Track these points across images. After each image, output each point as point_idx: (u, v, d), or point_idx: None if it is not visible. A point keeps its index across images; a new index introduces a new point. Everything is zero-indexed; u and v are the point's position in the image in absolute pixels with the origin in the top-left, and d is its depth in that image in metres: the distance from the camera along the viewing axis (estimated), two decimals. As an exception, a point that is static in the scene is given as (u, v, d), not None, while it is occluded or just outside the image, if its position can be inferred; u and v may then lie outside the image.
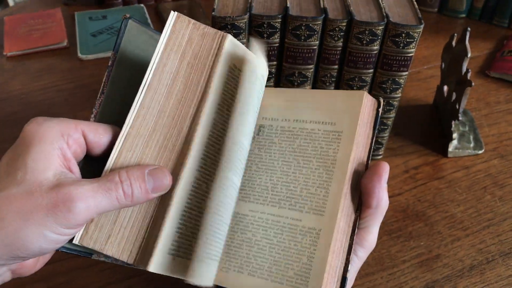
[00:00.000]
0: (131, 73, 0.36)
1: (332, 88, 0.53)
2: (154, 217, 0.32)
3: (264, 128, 0.38)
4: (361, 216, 0.34)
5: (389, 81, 0.51)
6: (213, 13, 0.46)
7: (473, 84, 0.55)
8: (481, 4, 0.89)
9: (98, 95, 0.35)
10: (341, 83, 0.52)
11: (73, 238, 0.31)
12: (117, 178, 0.30)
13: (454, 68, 0.60)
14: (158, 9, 0.92)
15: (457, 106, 0.58)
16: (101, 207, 0.29)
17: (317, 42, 0.49)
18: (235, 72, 0.36)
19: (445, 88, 0.65)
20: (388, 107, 0.53)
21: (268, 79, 0.52)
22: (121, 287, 0.45)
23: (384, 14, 0.48)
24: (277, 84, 0.53)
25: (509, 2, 0.86)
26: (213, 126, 0.34)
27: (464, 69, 0.57)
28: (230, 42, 0.35)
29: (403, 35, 0.47)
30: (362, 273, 0.47)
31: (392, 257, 0.49)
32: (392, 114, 0.54)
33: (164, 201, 0.32)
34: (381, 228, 0.36)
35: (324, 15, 0.47)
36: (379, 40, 0.48)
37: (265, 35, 0.48)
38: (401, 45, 0.47)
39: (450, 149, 0.60)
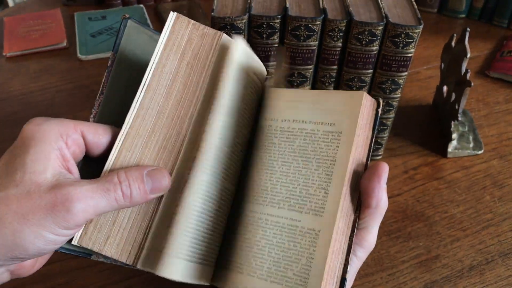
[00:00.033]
0: (130, 73, 0.36)
1: (332, 88, 0.53)
2: (161, 218, 0.32)
3: (263, 128, 0.38)
4: (361, 216, 0.34)
5: (389, 82, 0.51)
6: (212, 13, 0.46)
7: (472, 84, 0.55)
8: (481, 4, 0.89)
9: (98, 96, 0.35)
10: (340, 84, 0.52)
11: (73, 238, 0.31)
12: (116, 179, 0.30)
13: (454, 68, 0.60)
14: (157, 9, 0.92)
15: (456, 107, 0.58)
16: (100, 208, 0.29)
17: (317, 43, 0.49)
18: (251, 80, 0.36)
19: (445, 88, 0.65)
20: (387, 108, 0.53)
21: (268, 80, 0.52)
22: (120, 287, 0.45)
23: (384, 14, 0.48)
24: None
25: (509, 2, 0.86)
26: (221, 129, 0.34)
27: (463, 70, 0.57)
28: (228, 45, 0.35)
29: (402, 35, 0.47)
30: (361, 274, 0.47)
31: (391, 257, 0.49)
32: (392, 115, 0.55)
33: (172, 204, 0.32)
34: (380, 228, 0.36)
35: (323, 16, 0.47)
36: (378, 41, 0.48)
37: (264, 36, 0.48)
38: (401, 45, 0.47)
39: (450, 149, 0.60)
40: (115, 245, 0.31)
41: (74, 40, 0.82)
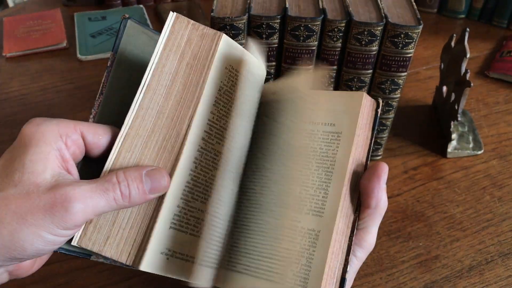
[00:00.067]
0: (130, 73, 0.36)
1: (331, 88, 0.53)
2: (153, 217, 0.32)
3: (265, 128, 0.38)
4: (360, 216, 0.34)
5: (388, 82, 0.51)
6: (212, 13, 0.46)
7: (472, 84, 0.55)
8: (480, 5, 0.89)
9: (97, 96, 0.35)
10: (340, 84, 0.52)
11: (72, 239, 0.31)
12: (115, 179, 0.30)
13: (453, 68, 0.60)
14: (157, 9, 0.92)
15: (456, 107, 0.58)
16: (99, 208, 0.29)
17: (316, 43, 0.49)
18: (232, 74, 0.36)
19: (444, 88, 0.65)
20: (387, 108, 0.53)
21: (267, 80, 0.52)
22: (120, 288, 0.45)
23: (383, 14, 0.48)
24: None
25: (508, 2, 0.86)
26: (208, 127, 0.34)
27: (463, 70, 0.57)
28: (225, 43, 0.35)
29: (402, 35, 0.47)
30: (361, 274, 0.47)
31: (391, 257, 0.49)
32: (391, 115, 0.55)
33: (158, 200, 0.32)
34: (380, 228, 0.36)
35: (323, 16, 0.47)
36: (378, 41, 0.48)
37: (264, 36, 0.48)
38: (400, 45, 0.47)
39: (449, 149, 0.60)
40: (115, 245, 0.31)
41: (74, 41, 0.82)
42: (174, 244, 0.32)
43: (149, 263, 0.31)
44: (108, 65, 0.35)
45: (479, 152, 0.61)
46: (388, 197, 0.36)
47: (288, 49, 0.49)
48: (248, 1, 0.48)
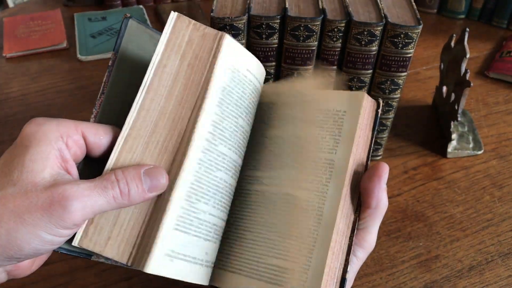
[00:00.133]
0: (131, 73, 0.36)
1: (331, 88, 0.53)
2: (152, 218, 0.32)
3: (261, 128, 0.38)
4: (361, 217, 0.34)
5: (388, 82, 0.51)
6: (211, 14, 0.46)
7: (472, 84, 0.55)
8: (480, 5, 0.89)
9: (99, 95, 0.34)
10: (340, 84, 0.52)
11: (73, 239, 0.31)
12: (113, 177, 0.30)
13: (453, 68, 0.60)
14: (157, 10, 0.92)
15: (456, 107, 0.58)
16: (97, 207, 0.29)
17: (316, 43, 0.49)
18: (235, 74, 0.36)
19: (444, 88, 0.65)
20: (387, 108, 0.53)
21: (267, 80, 0.52)
22: (120, 288, 0.45)
23: (383, 14, 0.48)
24: (276, 85, 0.53)
25: (508, 3, 0.86)
26: (212, 128, 0.34)
27: (463, 70, 0.57)
28: (229, 43, 0.35)
29: (401, 35, 0.47)
30: (361, 274, 0.47)
31: (391, 257, 0.49)
32: (391, 115, 0.55)
33: (161, 202, 0.32)
34: (380, 228, 0.36)
35: (322, 16, 0.47)
36: (377, 41, 0.48)
37: (264, 36, 0.48)
38: (400, 45, 0.47)
39: (449, 149, 0.60)
40: (116, 246, 0.31)
41: (74, 41, 0.82)
42: (178, 246, 0.32)
43: (155, 266, 0.30)
44: (110, 64, 0.35)
45: (479, 152, 0.61)
46: (388, 197, 0.36)
47: (288, 49, 0.49)
48: (248, 1, 0.48)
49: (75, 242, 0.31)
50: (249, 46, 0.49)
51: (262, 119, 0.38)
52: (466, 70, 0.56)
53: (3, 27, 0.85)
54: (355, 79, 0.51)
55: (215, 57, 0.34)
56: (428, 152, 0.61)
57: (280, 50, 0.50)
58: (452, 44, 0.62)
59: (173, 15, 0.34)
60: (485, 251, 0.49)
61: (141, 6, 0.92)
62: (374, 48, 0.48)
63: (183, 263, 0.32)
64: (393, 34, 0.47)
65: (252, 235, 0.34)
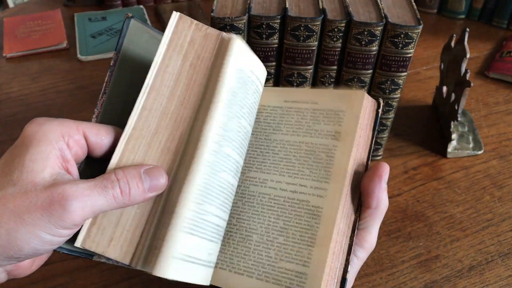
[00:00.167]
0: (132, 73, 0.36)
1: (331, 88, 0.53)
2: (162, 220, 0.32)
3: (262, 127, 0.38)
4: (361, 216, 0.34)
5: (388, 82, 0.51)
6: (212, 14, 0.46)
7: (472, 84, 0.55)
8: (480, 5, 0.89)
9: (100, 95, 0.34)
10: (340, 84, 0.52)
11: (75, 239, 0.31)
12: (114, 177, 0.30)
13: (453, 69, 0.60)
14: (157, 10, 0.92)
15: (456, 107, 0.58)
16: (97, 206, 0.29)
17: (316, 43, 0.49)
18: (241, 75, 0.35)
19: (444, 88, 0.65)
20: (387, 108, 0.53)
21: (267, 80, 0.52)
22: (121, 287, 0.45)
23: (383, 14, 0.48)
24: (276, 85, 0.53)
25: (508, 3, 0.86)
26: (220, 130, 0.34)
27: (463, 70, 0.57)
28: (237, 44, 0.35)
29: (401, 35, 0.47)
30: (361, 274, 0.47)
31: (391, 257, 0.49)
32: (391, 115, 0.55)
33: (170, 204, 0.32)
34: (380, 228, 0.36)
35: (323, 16, 0.47)
36: (378, 41, 0.48)
37: (264, 36, 0.48)
38: (400, 45, 0.47)
39: (449, 149, 0.60)
40: (119, 247, 0.31)
41: (74, 41, 0.82)
42: (186, 248, 0.31)
43: (164, 268, 0.30)
44: (111, 64, 0.35)
45: (479, 152, 0.61)
46: (388, 197, 0.36)
47: (288, 49, 0.49)
48: (248, 1, 0.48)
49: (77, 243, 0.31)
50: (250, 46, 0.49)
51: (267, 122, 0.38)
52: (466, 70, 0.56)
53: (3, 27, 0.85)
54: (355, 79, 0.51)
55: (221, 57, 0.34)
56: (428, 152, 0.61)
57: (280, 50, 0.50)
58: (452, 44, 0.62)
59: (175, 15, 0.34)
60: (485, 251, 0.49)
61: (141, 6, 0.92)
62: (374, 48, 0.48)
63: (190, 265, 0.32)
64: (393, 34, 0.47)
65: (259, 237, 0.34)
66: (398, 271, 0.47)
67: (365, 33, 0.47)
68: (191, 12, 0.90)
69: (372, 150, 0.36)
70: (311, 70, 0.51)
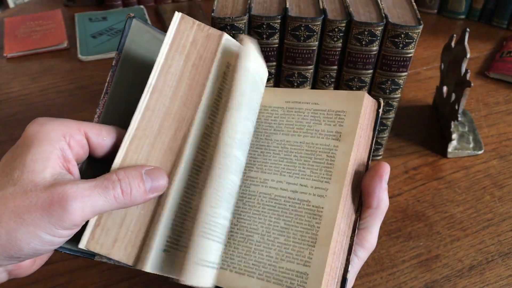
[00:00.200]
0: (134, 73, 0.36)
1: (332, 88, 0.53)
2: (184, 226, 0.32)
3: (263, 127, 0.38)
4: (361, 216, 0.34)
5: (389, 82, 0.51)
6: (212, 14, 0.46)
7: (472, 84, 0.55)
8: (480, 5, 0.89)
9: (102, 95, 0.34)
10: (340, 84, 0.52)
11: (76, 238, 0.30)
12: (115, 177, 0.30)
13: (454, 69, 0.60)
14: (158, 10, 0.92)
15: (456, 107, 0.58)
16: (98, 207, 0.29)
17: (317, 43, 0.49)
18: (236, 74, 0.36)
19: (445, 89, 0.65)
20: (387, 108, 0.53)
21: (268, 80, 0.52)
22: (121, 287, 0.45)
23: (383, 14, 0.48)
24: (277, 85, 0.53)
25: (508, 3, 0.86)
26: (207, 128, 0.34)
27: (463, 70, 0.57)
28: (226, 42, 0.35)
29: (402, 35, 0.47)
30: (362, 273, 0.47)
31: (391, 257, 0.49)
32: (392, 115, 0.55)
33: (191, 210, 0.32)
34: (380, 228, 0.36)
35: (323, 16, 0.47)
36: (378, 41, 0.48)
37: (264, 36, 0.48)
38: (400, 45, 0.48)
39: (450, 149, 0.60)
40: (123, 248, 0.31)
41: (74, 41, 0.82)
42: (204, 253, 0.31)
43: (193, 276, 0.30)
44: (113, 64, 0.35)
45: (480, 152, 0.61)
46: (389, 197, 0.36)
47: (289, 49, 0.49)
48: (249, 1, 0.48)
49: (82, 245, 0.30)
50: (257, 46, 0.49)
51: (268, 122, 0.38)
52: (466, 70, 0.57)
53: (3, 27, 0.85)
54: (355, 79, 0.51)
55: (234, 59, 0.34)
56: (429, 152, 0.61)
57: (281, 50, 0.50)
58: (453, 44, 0.62)
59: (177, 16, 0.34)
60: (486, 251, 0.49)
61: (141, 6, 0.92)
62: (374, 48, 0.48)
63: (205, 269, 0.32)
64: (394, 34, 0.47)
65: (260, 237, 0.34)
66: (399, 271, 0.47)
67: (366, 33, 0.47)
68: (191, 12, 0.90)
69: (372, 150, 0.36)
70: (311, 70, 0.51)
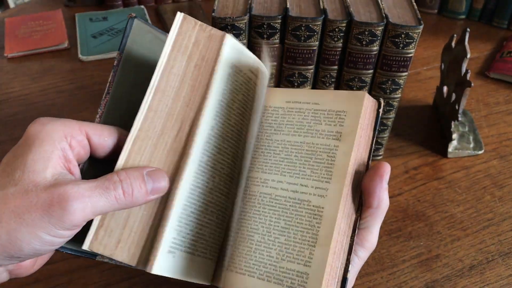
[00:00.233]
0: (136, 73, 0.36)
1: (332, 88, 0.53)
2: (159, 219, 0.32)
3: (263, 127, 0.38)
4: (362, 216, 0.34)
5: (389, 82, 0.51)
6: (213, 14, 0.46)
7: (472, 84, 0.55)
8: (481, 5, 0.89)
9: (104, 95, 0.34)
10: (341, 84, 0.52)
11: (76, 237, 0.30)
12: (116, 177, 0.30)
13: (454, 69, 0.60)
14: (158, 10, 0.92)
15: (456, 107, 0.58)
16: (98, 207, 0.29)
17: (317, 43, 0.49)
18: (237, 75, 0.36)
19: (445, 89, 0.65)
20: (388, 108, 0.54)
21: (268, 80, 0.52)
22: (122, 287, 0.45)
23: (384, 14, 0.48)
24: (277, 85, 0.53)
25: (509, 3, 0.86)
26: (212, 129, 0.34)
27: (463, 70, 0.57)
28: (230, 43, 0.35)
29: (402, 35, 0.47)
30: (362, 273, 0.47)
31: (392, 257, 0.49)
32: (392, 115, 0.55)
33: (165, 202, 0.32)
34: (381, 228, 0.36)
35: (323, 16, 0.47)
36: (378, 41, 0.48)
37: (265, 36, 0.48)
38: (401, 45, 0.48)
39: (450, 149, 0.60)
40: (126, 249, 0.31)
41: (75, 41, 0.82)
42: (179, 244, 0.32)
43: (159, 265, 0.30)
44: (115, 64, 0.35)
45: (480, 152, 0.61)
46: (389, 197, 0.36)
47: (289, 49, 0.49)
48: (249, 1, 0.48)
49: (85, 246, 0.30)
50: (251, 46, 0.49)
51: (269, 122, 0.38)
52: (466, 70, 0.57)
53: (4, 27, 0.85)
54: (356, 79, 0.51)
55: (221, 57, 0.34)
56: (429, 152, 0.61)
57: (281, 50, 0.50)
58: (453, 44, 0.62)
59: (179, 16, 0.34)
60: (486, 251, 0.49)
61: (142, 7, 0.92)
62: (375, 48, 0.48)
63: (187, 258, 0.32)
64: (394, 34, 0.47)
65: (260, 236, 0.34)
66: (399, 271, 0.48)
67: (366, 33, 0.47)
68: (192, 12, 0.90)
69: (373, 150, 0.36)
70: (312, 70, 0.51)
